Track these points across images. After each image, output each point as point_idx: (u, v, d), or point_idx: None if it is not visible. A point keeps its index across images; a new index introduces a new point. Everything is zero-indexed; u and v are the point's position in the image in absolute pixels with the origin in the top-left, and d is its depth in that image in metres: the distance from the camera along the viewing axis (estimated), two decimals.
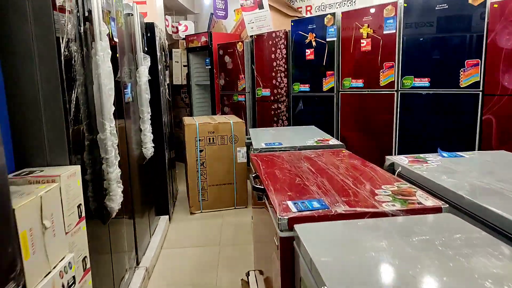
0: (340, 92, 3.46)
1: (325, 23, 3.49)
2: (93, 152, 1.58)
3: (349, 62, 3.35)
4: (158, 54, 3.13)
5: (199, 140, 3.40)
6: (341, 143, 2.27)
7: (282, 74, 4.00)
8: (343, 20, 3.33)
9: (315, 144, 2.24)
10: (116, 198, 1.65)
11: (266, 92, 4.23)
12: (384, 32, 3.06)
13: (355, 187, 1.37)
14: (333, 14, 3.44)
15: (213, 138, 3.44)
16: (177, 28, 5.73)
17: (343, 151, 2.03)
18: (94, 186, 1.56)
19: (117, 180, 1.66)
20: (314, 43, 3.61)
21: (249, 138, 2.60)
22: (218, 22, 5.60)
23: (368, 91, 3.24)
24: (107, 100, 1.56)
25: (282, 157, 1.90)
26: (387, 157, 1.81)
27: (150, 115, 2.67)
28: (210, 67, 4.82)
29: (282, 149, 2.15)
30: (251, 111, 4.52)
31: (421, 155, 1.81)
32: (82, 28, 1.52)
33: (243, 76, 4.42)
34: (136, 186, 2.40)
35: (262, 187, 1.47)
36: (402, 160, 1.73)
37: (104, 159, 1.59)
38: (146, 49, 2.88)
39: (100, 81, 1.53)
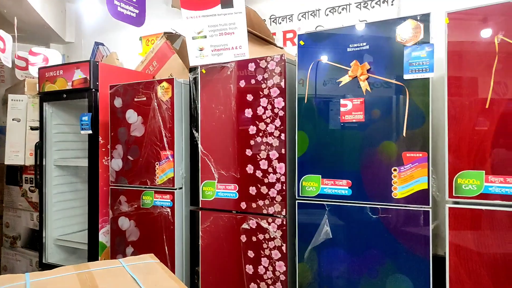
0: (449, 205, 1.37)
1: (399, 38, 1.48)
2: None
3: (470, 135, 1.33)
4: None
5: None
6: None
7: (273, 154, 1.76)
8: (452, 29, 1.37)
9: None
10: None
11: (231, 191, 1.89)
12: None
13: None
14: (426, 17, 1.45)
15: None
16: (26, 60, 3.10)
17: None
18: None
19: None
20: (365, 86, 1.54)
21: None
22: (110, 56, 3.18)
23: None
24: None
25: None
26: None
27: None
28: (91, 131, 2.30)
29: None
30: (184, 234, 2.06)
31: None
32: None
33: (169, 153, 2.03)
34: None
35: None
36: None
37: None
38: None
39: None
